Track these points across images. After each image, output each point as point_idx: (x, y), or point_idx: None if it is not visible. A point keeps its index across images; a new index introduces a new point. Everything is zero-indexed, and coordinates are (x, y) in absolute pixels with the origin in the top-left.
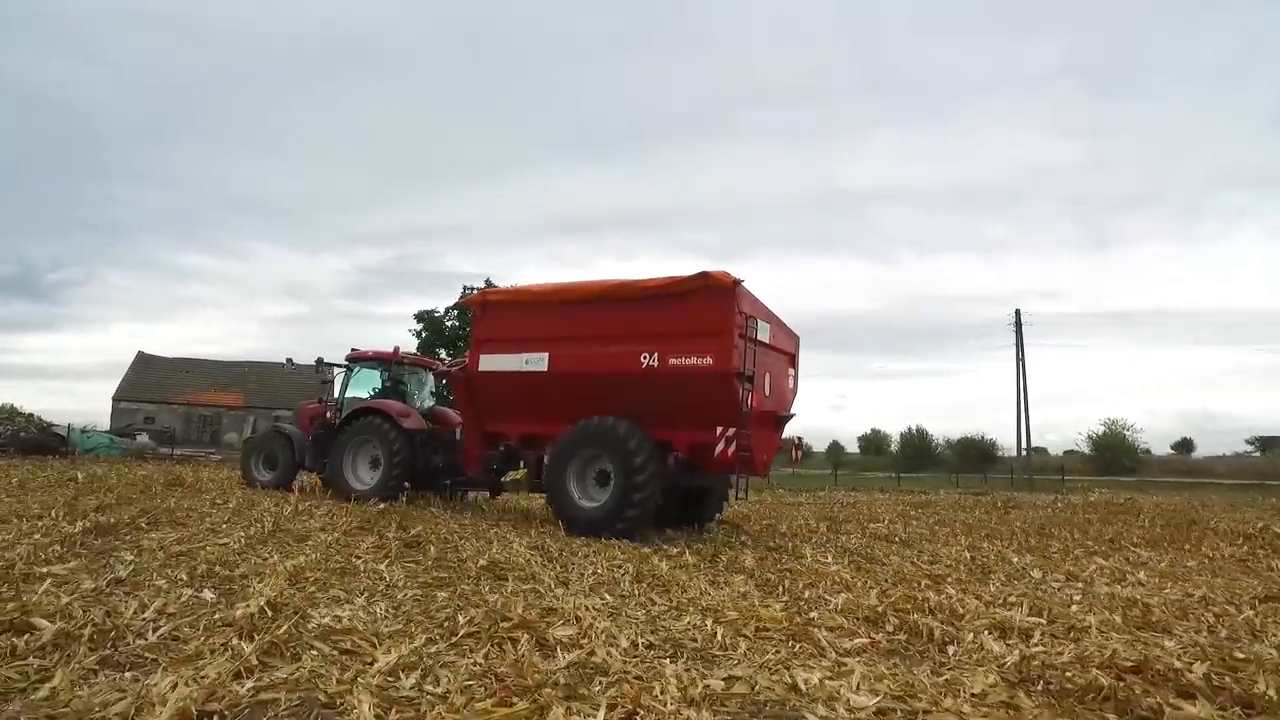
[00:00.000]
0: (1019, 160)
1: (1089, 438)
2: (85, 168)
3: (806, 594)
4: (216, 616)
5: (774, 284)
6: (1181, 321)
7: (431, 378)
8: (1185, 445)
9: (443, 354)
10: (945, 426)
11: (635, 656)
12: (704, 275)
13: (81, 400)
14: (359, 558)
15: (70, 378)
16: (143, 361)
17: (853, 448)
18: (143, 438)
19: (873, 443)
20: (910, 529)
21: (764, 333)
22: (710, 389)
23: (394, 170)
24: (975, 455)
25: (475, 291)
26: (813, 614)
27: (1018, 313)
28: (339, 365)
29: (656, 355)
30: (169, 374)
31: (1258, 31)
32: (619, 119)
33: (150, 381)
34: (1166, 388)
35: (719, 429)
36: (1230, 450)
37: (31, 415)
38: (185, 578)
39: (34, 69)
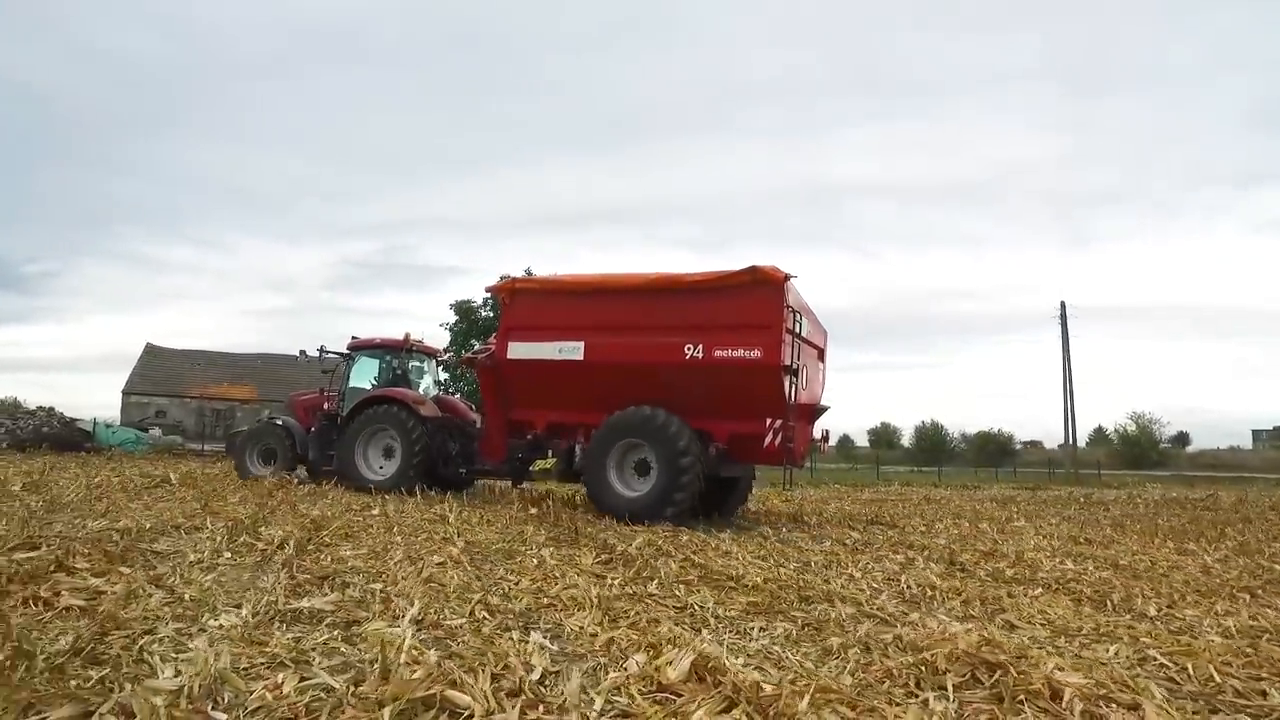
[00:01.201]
0: (999, 157)
1: (1116, 432)
2: (65, 159)
3: None
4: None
5: None
6: (1158, 316)
7: (434, 366)
8: (1182, 439)
9: (475, 344)
10: (918, 420)
11: None
12: (754, 270)
13: (59, 393)
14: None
15: (44, 370)
16: (151, 354)
17: (861, 441)
18: (155, 432)
19: (882, 436)
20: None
21: (804, 327)
22: (757, 381)
23: (378, 163)
24: (994, 449)
25: (509, 279)
26: None
27: (1063, 305)
28: (340, 354)
29: (701, 347)
30: (178, 366)
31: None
32: (603, 113)
33: (159, 374)
34: (1151, 382)
35: (768, 420)
36: (1224, 444)
37: (51, 409)
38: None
39: (11, 58)
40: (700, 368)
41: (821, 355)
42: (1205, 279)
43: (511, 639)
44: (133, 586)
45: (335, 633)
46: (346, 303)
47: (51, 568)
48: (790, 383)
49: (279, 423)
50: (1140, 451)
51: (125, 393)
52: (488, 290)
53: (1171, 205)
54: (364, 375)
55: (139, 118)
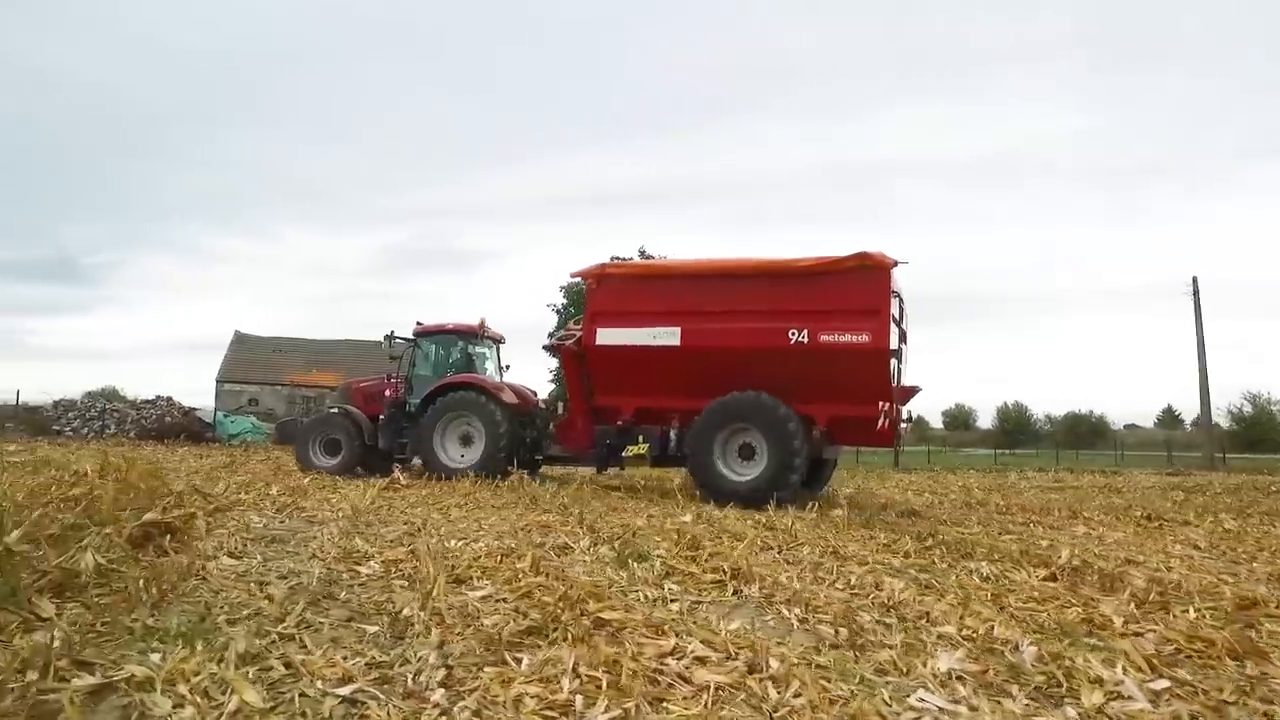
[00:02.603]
0: (1035, 132)
1: (1229, 413)
2: (124, 153)
3: None
4: None
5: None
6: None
7: (498, 352)
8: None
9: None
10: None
11: None
12: (862, 255)
13: (123, 381)
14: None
15: (106, 358)
16: (240, 341)
17: (936, 423)
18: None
19: (957, 418)
20: None
21: (903, 312)
22: (864, 365)
23: (417, 150)
24: (1085, 431)
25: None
26: None
27: (1195, 280)
28: (407, 339)
29: (806, 332)
30: (267, 353)
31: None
32: (638, 95)
33: (249, 361)
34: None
35: (880, 404)
36: None
37: (170, 399)
38: None
39: (70, 55)
40: (804, 352)
41: (905, 338)
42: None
43: None
44: None
45: None
46: (386, 289)
47: None
48: (895, 366)
49: (343, 412)
50: (1260, 433)
51: (218, 381)
52: (573, 275)
53: (1221, 178)
54: (431, 361)
55: (193, 111)
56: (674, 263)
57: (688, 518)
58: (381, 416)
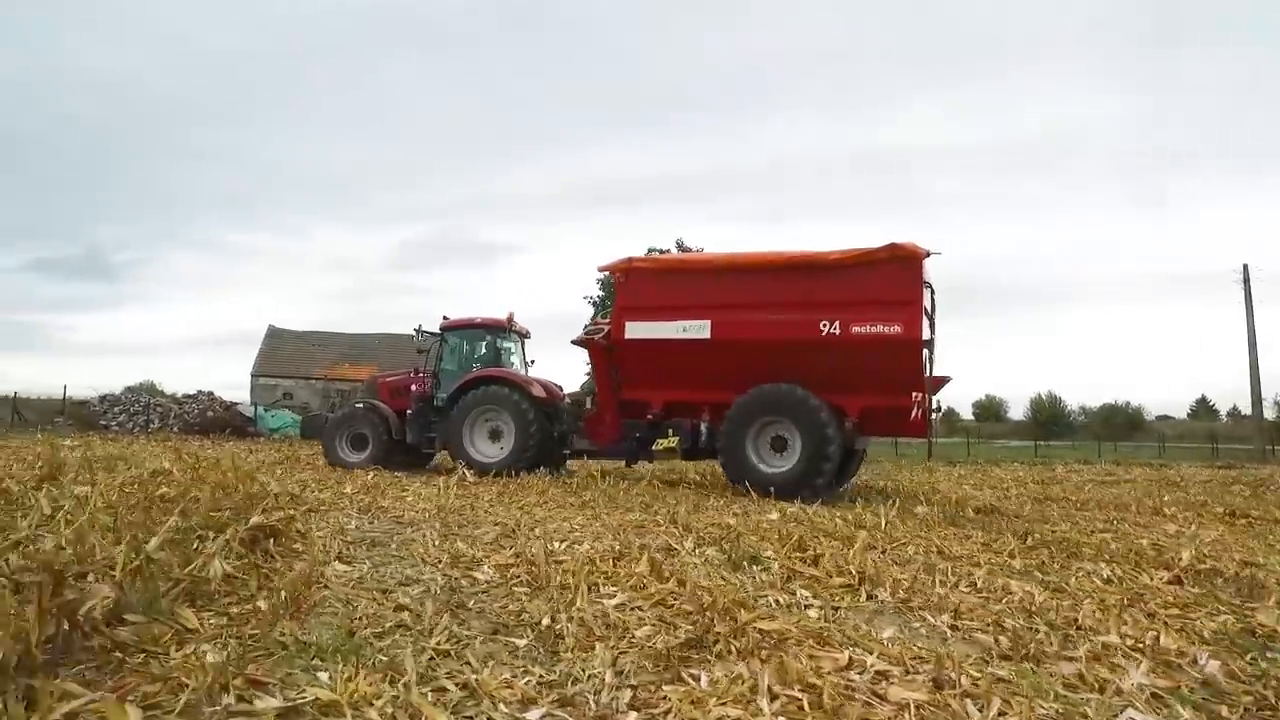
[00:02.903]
0: (1065, 117)
1: (1276, 404)
2: (150, 151)
3: None
4: None
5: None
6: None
7: (523, 346)
8: None
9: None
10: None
11: None
12: (894, 246)
13: (152, 376)
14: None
15: (134, 354)
16: (274, 335)
17: (965, 413)
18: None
19: (988, 409)
20: None
21: (934, 302)
22: (896, 356)
23: (437, 145)
24: (1121, 423)
25: (625, 259)
26: None
27: (1245, 267)
28: (433, 333)
29: (838, 323)
30: (300, 347)
31: None
32: (660, 88)
33: (283, 355)
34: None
35: (914, 394)
36: None
37: (211, 394)
38: None
39: (97, 56)
40: (836, 344)
41: (935, 328)
42: None
43: None
44: None
45: None
46: (409, 282)
47: None
48: (927, 356)
49: (370, 407)
50: None
51: (253, 375)
52: (601, 269)
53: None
54: (459, 356)
55: (217, 110)
56: (702, 256)
57: (775, 515)
58: (409, 411)
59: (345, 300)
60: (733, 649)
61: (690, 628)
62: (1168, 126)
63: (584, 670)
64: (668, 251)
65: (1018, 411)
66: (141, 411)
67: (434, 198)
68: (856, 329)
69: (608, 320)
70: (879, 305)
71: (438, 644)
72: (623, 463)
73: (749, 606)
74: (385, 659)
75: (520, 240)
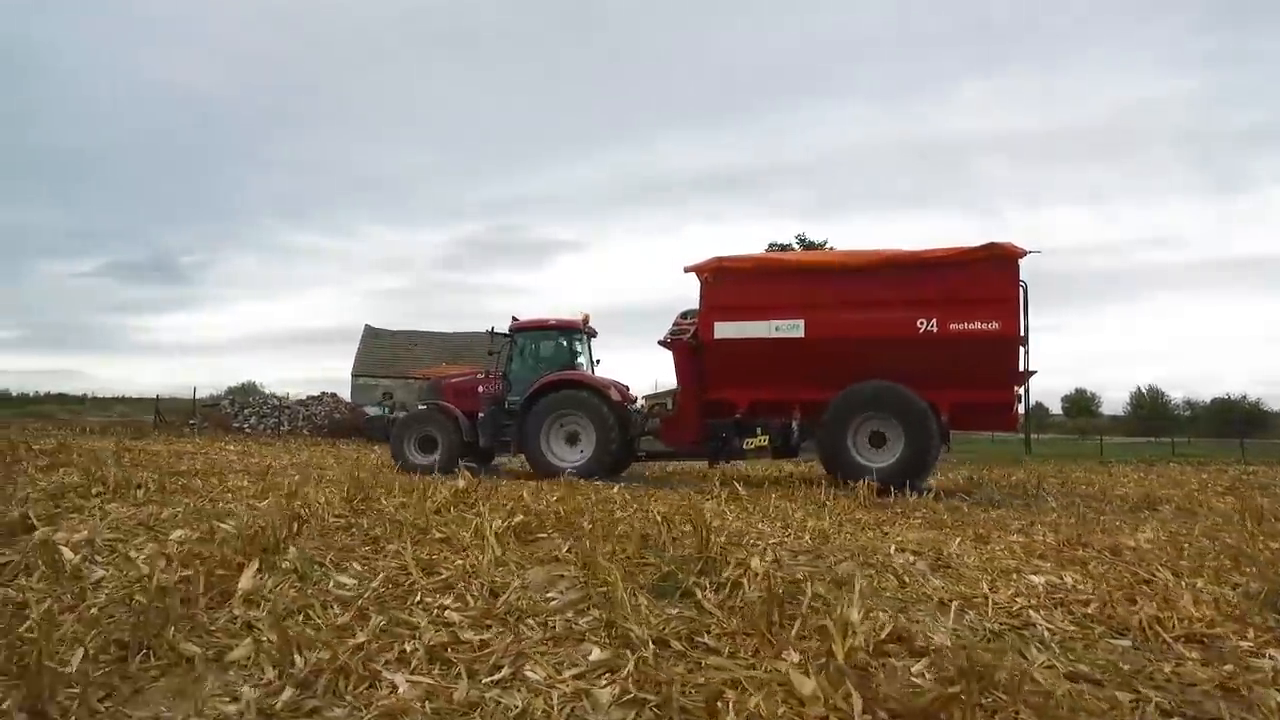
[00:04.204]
0: (1126, 101)
1: None
2: (213, 156)
3: None
4: None
5: (868, 240)
6: None
7: (591, 346)
8: None
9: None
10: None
11: None
12: (993, 246)
13: (221, 375)
14: None
15: (203, 353)
16: (371, 335)
17: (1054, 408)
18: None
19: (1078, 403)
20: None
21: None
22: (994, 353)
23: (488, 145)
24: (1240, 419)
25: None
26: None
27: None
28: (504, 334)
29: (935, 321)
30: (397, 348)
31: None
32: (709, 82)
33: (381, 356)
34: None
35: (1012, 389)
36: None
37: (335, 395)
38: None
39: (165, 66)
40: (933, 341)
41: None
42: None
43: None
44: None
45: None
46: (460, 280)
47: None
48: (1023, 353)
49: (439, 408)
50: None
51: (354, 375)
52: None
53: None
54: (532, 358)
55: (272, 114)
56: (793, 255)
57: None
58: (479, 414)
59: (398, 299)
60: None
61: None
62: (1244, 105)
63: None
64: (789, 247)
65: (1110, 407)
66: (271, 414)
67: (482, 197)
68: (955, 326)
69: (691, 320)
70: (977, 303)
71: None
72: (705, 463)
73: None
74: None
75: (570, 237)
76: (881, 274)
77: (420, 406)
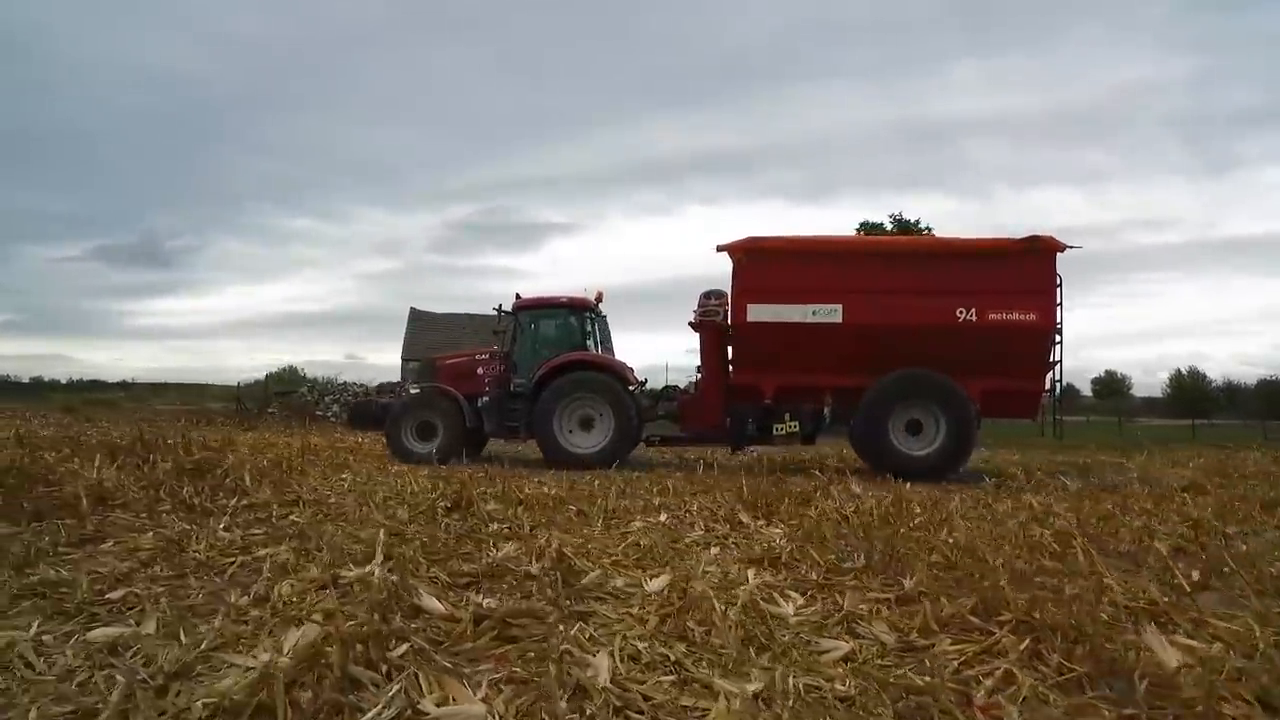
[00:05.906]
0: (1118, 83)
1: None
2: (198, 140)
3: None
4: None
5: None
6: None
7: (597, 327)
8: None
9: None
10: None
11: None
12: (1034, 238)
13: (207, 358)
14: None
15: (188, 337)
16: (417, 319)
17: (1085, 390)
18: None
19: (1109, 385)
20: None
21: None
22: (1029, 342)
23: (478, 127)
24: None
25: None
26: None
27: None
28: (508, 313)
29: (974, 310)
30: (443, 331)
31: None
32: (699, 63)
33: (429, 340)
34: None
35: (1045, 378)
36: None
37: (402, 383)
38: None
39: (148, 51)
40: (971, 329)
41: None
42: None
43: None
44: None
45: None
46: (452, 263)
47: None
48: (1056, 343)
49: (439, 391)
50: None
51: (404, 359)
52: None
53: None
54: (541, 338)
55: (259, 97)
56: (831, 238)
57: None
58: (480, 397)
59: (390, 282)
60: None
61: None
62: (1234, 86)
63: None
64: (881, 228)
65: (1142, 389)
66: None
67: (475, 179)
68: (993, 315)
69: (718, 301)
70: (1016, 294)
71: None
72: (728, 449)
73: None
74: None
75: (562, 220)
76: (921, 261)
77: (413, 390)
